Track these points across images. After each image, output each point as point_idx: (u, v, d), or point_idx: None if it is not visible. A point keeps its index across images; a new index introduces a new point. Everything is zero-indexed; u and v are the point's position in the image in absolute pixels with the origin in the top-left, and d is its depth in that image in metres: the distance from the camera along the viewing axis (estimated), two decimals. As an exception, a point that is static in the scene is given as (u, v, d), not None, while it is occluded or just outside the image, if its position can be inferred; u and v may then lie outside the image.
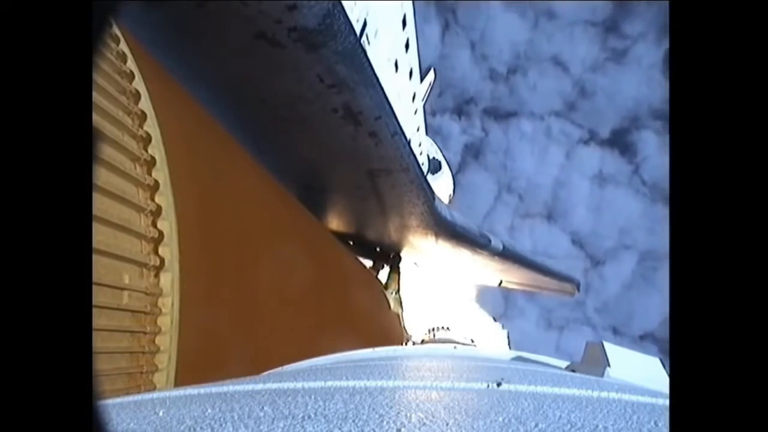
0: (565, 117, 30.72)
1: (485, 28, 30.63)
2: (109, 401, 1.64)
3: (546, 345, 30.54)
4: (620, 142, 30.09)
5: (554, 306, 30.61)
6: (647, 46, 29.40)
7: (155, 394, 1.76)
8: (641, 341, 28.08)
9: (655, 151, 29.48)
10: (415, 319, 19.37)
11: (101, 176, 3.07)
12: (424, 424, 1.09)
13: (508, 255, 16.48)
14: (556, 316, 31.16)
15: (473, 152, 32.60)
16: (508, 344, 24.77)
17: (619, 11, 29.27)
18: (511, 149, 31.30)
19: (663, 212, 28.98)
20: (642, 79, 29.47)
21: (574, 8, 29.34)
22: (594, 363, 3.07)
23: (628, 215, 29.86)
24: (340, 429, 1.06)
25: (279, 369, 3.47)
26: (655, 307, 29.32)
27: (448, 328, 20.67)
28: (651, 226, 29.61)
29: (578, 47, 30.19)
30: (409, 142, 10.66)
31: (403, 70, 11.96)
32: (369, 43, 8.80)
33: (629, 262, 30.68)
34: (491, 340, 25.71)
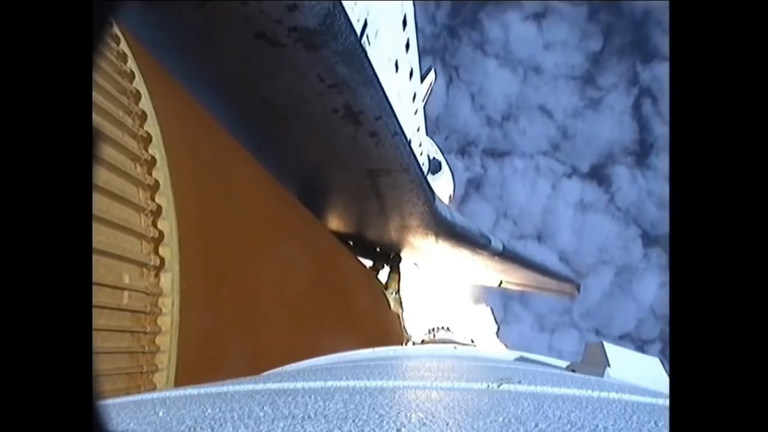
0: (551, 155, 38.04)
1: (483, 82, 37.78)
2: (109, 401, 1.64)
3: (539, 345, 36.03)
4: (598, 175, 37.42)
5: (546, 312, 36.81)
6: (618, 95, 36.64)
7: (155, 394, 1.76)
8: (620, 340, 33.90)
9: (627, 182, 36.66)
10: (415, 320, 19.35)
11: (101, 176, 3.07)
12: (424, 424, 1.09)
13: (508, 255, 16.47)
14: (547, 320, 37.22)
15: (474, 185, 39.31)
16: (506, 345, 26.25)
17: (594, 67, 36.76)
18: (506, 183, 38.56)
19: (635, 233, 35.28)
20: (615, 123, 36.56)
21: (557, 65, 36.91)
22: (594, 363, 3.07)
23: (606, 236, 36.51)
24: (340, 429, 1.06)
25: (279, 369, 3.47)
26: (630, 312, 35.50)
27: (448, 328, 20.66)
28: (625, 245, 36.06)
29: (561, 97, 37.30)
30: (409, 142, 10.65)
31: (404, 70, 11.95)
32: (369, 43, 8.80)
33: (608, 275, 36.73)
34: (490, 340, 26.18)
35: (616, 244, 36.19)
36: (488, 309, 27.87)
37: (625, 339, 34.13)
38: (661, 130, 35.59)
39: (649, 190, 35.78)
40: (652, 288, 35.34)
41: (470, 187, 38.51)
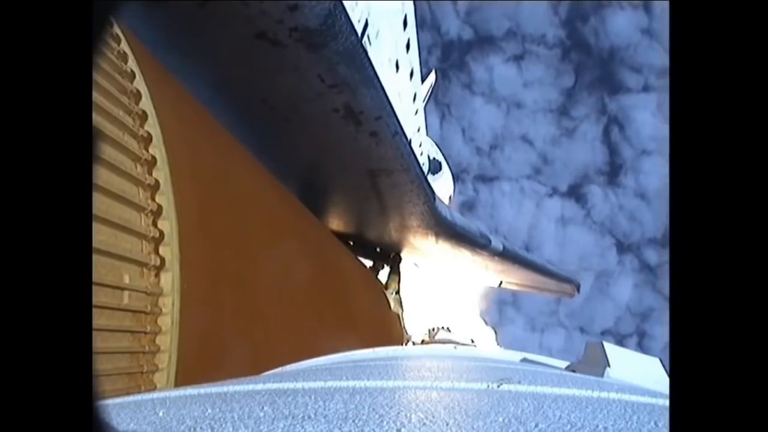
0: (534, 179, 44.65)
1: (471, 117, 44.32)
2: (109, 401, 1.64)
3: (531, 344, 41.05)
4: (575, 194, 44.09)
5: (535, 314, 42.54)
6: (590, 124, 43.33)
7: (155, 394, 1.76)
8: (602, 336, 40.29)
9: (600, 199, 43.10)
10: (415, 320, 19.35)
11: (102, 176, 3.07)
12: (424, 424, 1.09)
13: (508, 255, 16.46)
14: (537, 321, 42.80)
15: (468, 207, 44.87)
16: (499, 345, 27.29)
17: (568, 100, 43.45)
18: (496, 204, 44.51)
19: (609, 242, 41.18)
20: (588, 149, 43.12)
21: (536, 100, 43.56)
22: (594, 363, 3.07)
23: (584, 246, 42.71)
24: (340, 429, 1.07)
25: (279, 369, 3.47)
26: (609, 311, 41.49)
27: (448, 328, 20.66)
28: (601, 253, 42.12)
29: (540, 128, 43.69)
30: (409, 142, 10.65)
31: (404, 70, 11.95)
32: (370, 43, 8.80)
33: (588, 280, 42.09)
34: (488, 341, 26.38)
35: (593, 253, 42.51)
36: (479, 318, 28.91)
37: (605, 334, 40.14)
38: (628, 153, 41.75)
39: (620, 205, 42.08)
40: (627, 289, 41.32)
41: (464, 209, 43.90)
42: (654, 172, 40.25)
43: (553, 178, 44.36)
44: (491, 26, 42.90)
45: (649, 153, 40.62)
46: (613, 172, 43.02)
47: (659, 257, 39.99)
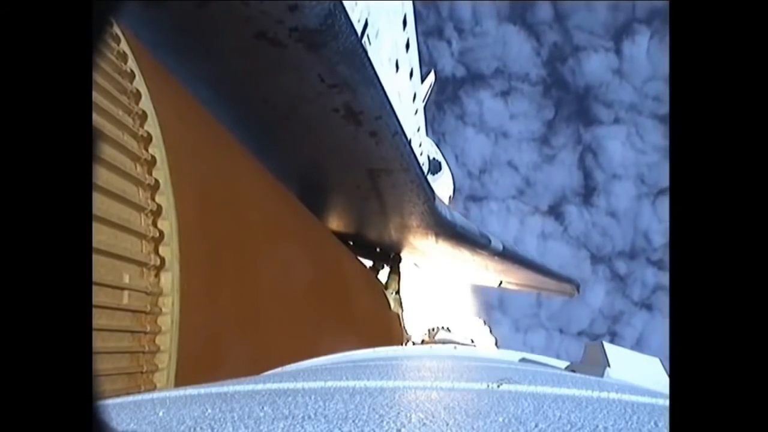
0: (518, 199, 50.57)
1: (463, 145, 49.41)
2: (109, 401, 1.64)
3: (516, 343, 45.56)
4: (554, 212, 50.30)
5: (520, 317, 47.20)
6: (567, 152, 49.39)
7: (155, 394, 1.76)
8: (578, 336, 45.63)
9: (576, 217, 48.99)
10: (415, 320, 19.33)
11: (102, 176, 3.07)
12: (424, 424, 1.09)
13: (508, 255, 16.46)
14: (521, 323, 47.89)
15: None
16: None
17: (548, 131, 49.24)
18: (485, 221, 48.46)
19: (584, 255, 46.41)
20: (565, 174, 48.93)
21: (520, 131, 49.48)
22: (594, 363, 3.07)
23: (563, 258, 47.50)
24: (340, 429, 1.07)
25: (279, 369, 3.47)
26: (585, 314, 46.75)
27: (448, 328, 20.66)
28: (578, 264, 46.55)
29: (524, 155, 49.45)
30: (409, 142, 10.64)
31: (404, 70, 11.95)
32: (370, 43, 8.79)
33: None
34: (485, 341, 26.48)
35: (571, 264, 46.82)
36: (480, 320, 29.47)
37: (582, 335, 46.24)
38: (601, 177, 47.41)
39: (593, 222, 47.32)
40: (600, 295, 46.32)
41: (457, 226, 50.27)
42: (623, 194, 46.22)
43: (535, 198, 50.85)
44: (481, 65, 49.30)
45: (619, 177, 46.03)
46: (587, 194, 49.57)
47: (628, 268, 45.56)
